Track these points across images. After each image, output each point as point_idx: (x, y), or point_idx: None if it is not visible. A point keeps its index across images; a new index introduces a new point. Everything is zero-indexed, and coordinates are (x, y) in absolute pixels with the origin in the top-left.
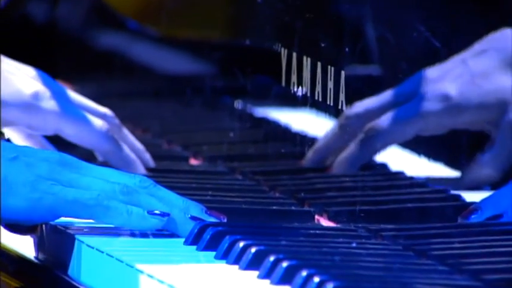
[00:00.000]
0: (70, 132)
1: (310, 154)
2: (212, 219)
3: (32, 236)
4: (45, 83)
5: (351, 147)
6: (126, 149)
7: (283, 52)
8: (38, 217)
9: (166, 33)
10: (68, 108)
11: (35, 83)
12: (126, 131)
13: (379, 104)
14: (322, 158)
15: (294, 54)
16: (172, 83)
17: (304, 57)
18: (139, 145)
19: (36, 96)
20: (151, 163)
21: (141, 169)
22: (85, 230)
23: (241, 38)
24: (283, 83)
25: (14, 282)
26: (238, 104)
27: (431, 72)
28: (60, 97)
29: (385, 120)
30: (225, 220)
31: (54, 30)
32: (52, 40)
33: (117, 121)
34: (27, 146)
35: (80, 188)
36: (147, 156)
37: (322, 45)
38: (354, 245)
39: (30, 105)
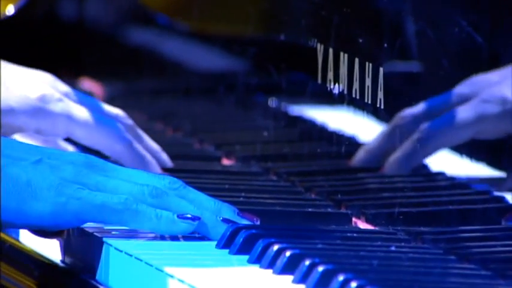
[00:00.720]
0: (81, 134)
1: (361, 154)
2: (245, 222)
3: (58, 240)
4: (52, 85)
5: (405, 147)
6: (141, 149)
7: (320, 48)
8: (63, 222)
9: (198, 29)
10: (78, 110)
11: (41, 86)
12: (140, 132)
13: (435, 105)
14: (374, 158)
15: (331, 50)
16: (204, 80)
17: (341, 53)
18: (155, 145)
19: (43, 99)
20: (169, 163)
21: (157, 170)
22: (113, 232)
23: (275, 33)
24: (319, 80)
25: (40, 286)
26: (272, 102)
27: (490, 75)
28: (69, 99)
29: (441, 121)
30: (259, 223)
31: (82, 27)
32: (80, 37)
33: (130, 122)
34: (52, 148)
35: (107, 191)
36: (164, 156)
37: (360, 40)
38: (392, 248)
39: (38, 109)
